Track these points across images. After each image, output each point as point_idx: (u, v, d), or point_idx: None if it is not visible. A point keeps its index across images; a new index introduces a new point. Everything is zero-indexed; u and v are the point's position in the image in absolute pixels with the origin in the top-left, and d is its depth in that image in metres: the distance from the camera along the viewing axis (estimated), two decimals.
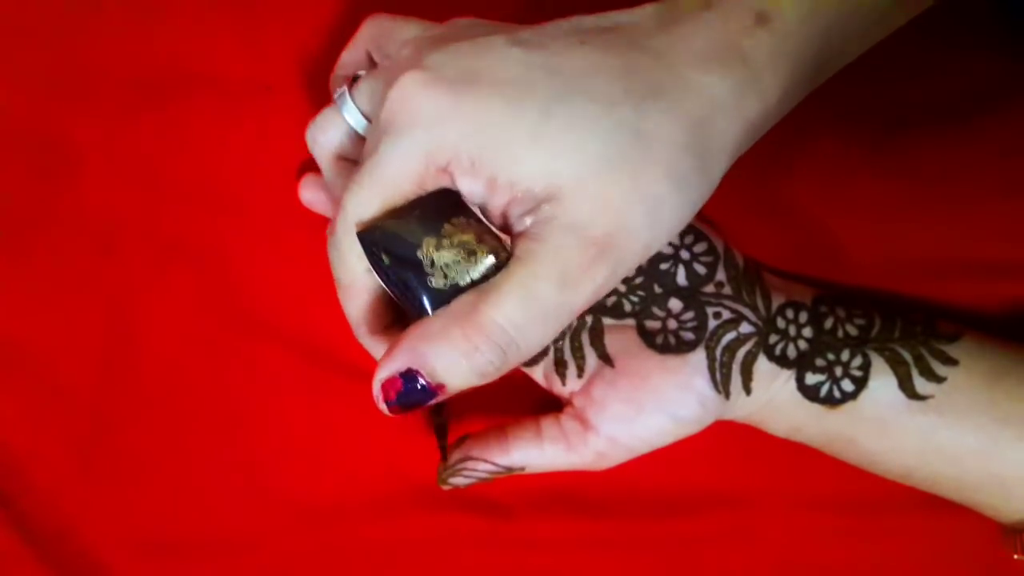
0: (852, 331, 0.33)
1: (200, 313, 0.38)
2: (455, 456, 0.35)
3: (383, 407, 0.26)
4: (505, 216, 0.26)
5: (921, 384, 0.32)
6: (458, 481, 0.35)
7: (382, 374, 0.26)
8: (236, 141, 0.38)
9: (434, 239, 0.26)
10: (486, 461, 0.34)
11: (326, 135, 0.31)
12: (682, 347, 0.33)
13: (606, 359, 0.34)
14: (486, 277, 0.26)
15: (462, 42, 0.26)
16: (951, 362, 0.32)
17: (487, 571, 0.37)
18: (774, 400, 0.33)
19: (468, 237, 0.26)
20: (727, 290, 0.34)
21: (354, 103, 0.30)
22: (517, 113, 0.25)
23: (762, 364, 0.33)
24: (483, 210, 0.27)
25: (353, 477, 0.37)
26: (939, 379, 0.32)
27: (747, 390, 0.33)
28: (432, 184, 0.26)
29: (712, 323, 0.33)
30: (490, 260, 0.26)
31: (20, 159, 0.38)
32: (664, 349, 0.33)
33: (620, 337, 0.34)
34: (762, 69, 0.26)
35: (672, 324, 0.34)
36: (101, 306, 0.38)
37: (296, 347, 0.38)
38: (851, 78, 0.29)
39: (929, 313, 0.34)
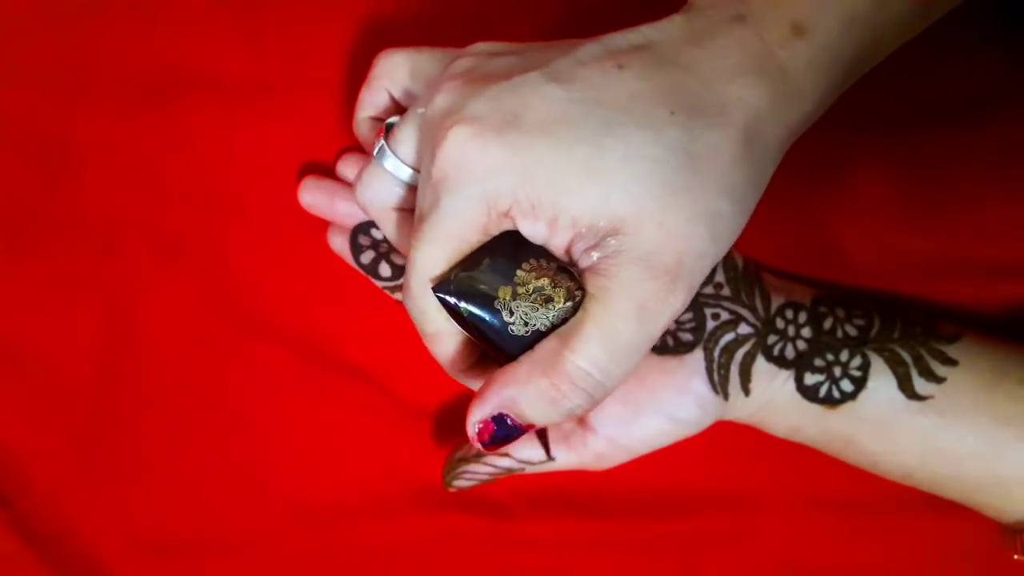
0: (851, 331, 0.33)
1: (200, 313, 0.38)
2: (457, 456, 0.35)
3: (478, 447, 0.27)
4: (569, 252, 0.26)
5: (921, 384, 0.32)
6: (460, 484, 0.35)
7: (474, 418, 0.27)
8: (236, 141, 0.38)
9: (509, 287, 0.26)
10: (486, 463, 0.34)
11: (375, 192, 0.30)
12: (680, 348, 0.33)
13: None
14: (565, 319, 0.26)
15: (498, 83, 0.26)
16: (951, 363, 0.32)
17: (487, 571, 0.37)
18: (773, 400, 0.33)
19: (543, 282, 0.26)
20: (726, 291, 0.34)
21: (394, 154, 0.29)
22: (569, 151, 0.24)
23: (760, 365, 0.33)
24: (547, 248, 0.27)
25: (353, 477, 0.38)
26: (939, 380, 0.32)
27: (746, 391, 0.33)
28: (496, 229, 0.26)
29: (710, 324, 0.33)
30: (567, 304, 0.26)
31: (20, 159, 0.38)
32: (662, 350, 0.33)
33: None
34: (800, 79, 0.25)
35: (670, 325, 0.33)
36: (101, 306, 0.38)
37: (296, 347, 0.38)
38: None
39: (929, 313, 0.34)
